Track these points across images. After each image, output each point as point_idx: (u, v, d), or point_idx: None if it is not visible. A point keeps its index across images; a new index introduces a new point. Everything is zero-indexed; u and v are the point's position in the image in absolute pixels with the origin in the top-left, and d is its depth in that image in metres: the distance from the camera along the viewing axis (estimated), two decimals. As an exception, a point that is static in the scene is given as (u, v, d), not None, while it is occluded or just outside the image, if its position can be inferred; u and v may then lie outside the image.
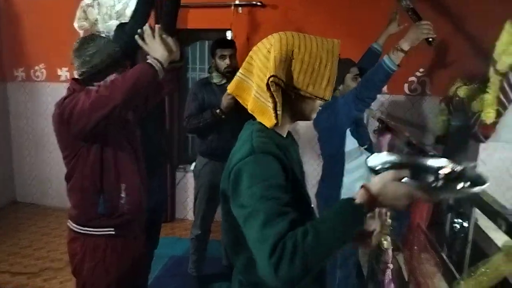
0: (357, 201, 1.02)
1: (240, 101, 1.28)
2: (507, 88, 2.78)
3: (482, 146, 3.14)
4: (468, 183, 1.10)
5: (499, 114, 2.90)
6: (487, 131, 3.00)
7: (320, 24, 3.87)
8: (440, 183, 1.14)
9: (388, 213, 2.22)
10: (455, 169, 1.22)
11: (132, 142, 1.97)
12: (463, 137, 3.43)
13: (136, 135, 2.03)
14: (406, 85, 4.03)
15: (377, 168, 1.18)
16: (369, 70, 2.19)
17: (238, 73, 1.27)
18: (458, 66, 3.75)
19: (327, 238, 0.97)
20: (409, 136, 2.43)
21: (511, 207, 3.14)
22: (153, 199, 2.25)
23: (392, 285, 2.34)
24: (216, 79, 2.86)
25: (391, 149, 2.56)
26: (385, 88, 4.02)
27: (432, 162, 1.27)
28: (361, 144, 2.45)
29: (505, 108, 2.84)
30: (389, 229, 2.10)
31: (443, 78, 3.81)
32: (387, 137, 2.64)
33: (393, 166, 1.20)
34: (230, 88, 1.29)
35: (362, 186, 1.04)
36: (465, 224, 1.51)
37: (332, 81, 1.19)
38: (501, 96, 2.84)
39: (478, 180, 1.10)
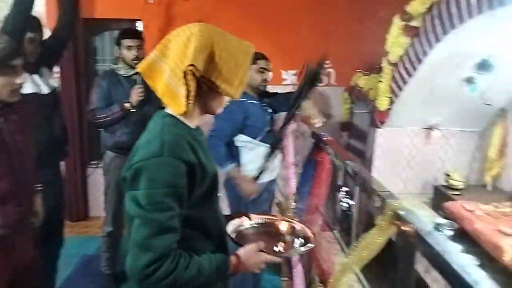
0: (230, 263, 1.21)
1: (149, 83, 1.22)
2: (398, 78, 3.06)
3: (378, 131, 3.43)
4: (301, 240, 1.41)
5: (391, 102, 3.20)
6: (382, 117, 3.29)
7: (230, 17, 3.92)
8: (279, 248, 1.38)
9: (292, 196, 2.38)
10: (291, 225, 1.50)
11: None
12: (364, 123, 3.73)
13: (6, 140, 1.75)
14: (314, 76, 4.25)
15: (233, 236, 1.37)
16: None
17: (152, 54, 1.22)
18: (359, 58, 4.03)
19: (199, 278, 1.13)
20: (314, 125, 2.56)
21: (404, 185, 3.47)
22: (48, 194, 2.10)
23: (300, 263, 2.49)
24: (123, 70, 2.78)
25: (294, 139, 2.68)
26: (294, 79, 4.22)
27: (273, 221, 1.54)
28: (253, 137, 2.51)
29: (396, 96, 3.13)
30: (293, 211, 2.24)
31: (347, 69, 4.07)
32: (291, 126, 2.76)
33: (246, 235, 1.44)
34: (141, 67, 1.22)
35: (234, 254, 1.25)
36: (351, 202, 1.67)
37: (244, 82, 1.22)
38: (393, 85, 3.13)
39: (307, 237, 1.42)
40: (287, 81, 4.25)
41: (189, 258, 1.12)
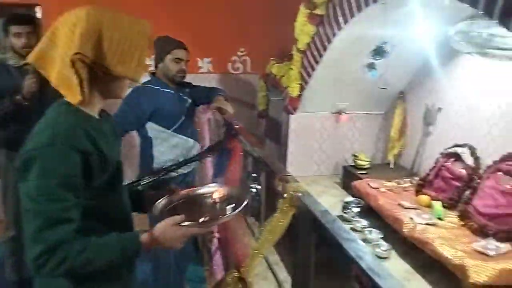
0: (141, 239, 1.14)
1: (43, 73, 1.14)
2: (307, 65, 3.18)
3: (292, 117, 3.55)
4: (233, 204, 1.34)
5: (302, 88, 3.31)
6: (294, 103, 3.41)
7: (141, 3, 3.75)
8: (206, 217, 1.33)
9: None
10: (225, 193, 1.44)
11: None
12: (279, 110, 3.83)
13: None
14: (229, 64, 4.25)
15: (157, 213, 1.32)
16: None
17: (41, 42, 1.14)
18: (273, 45, 4.11)
19: (100, 259, 1.08)
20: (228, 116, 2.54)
21: (317, 168, 3.61)
22: None
23: (218, 252, 2.51)
24: (12, 60, 2.52)
25: (209, 127, 2.67)
26: (210, 67, 4.19)
27: (206, 190, 1.48)
28: (167, 127, 2.45)
29: (306, 82, 3.25)
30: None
31: (261, 57, 4.13)
32: (208, 115, 2.75)
33: (173, 207, 1.38)
34: (31, 57, 1.12)
35: (147, 231, 1.18)
36: (259, 188, 1.71)
37: (142, 62, 1.17)
38: (303, 72, 3.24)
39: (241, 198, 1.35)
40: (203, 69, 4.20)
41: (86, 242, 1.07)
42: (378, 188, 2.90)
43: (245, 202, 1.33)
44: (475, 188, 2.49)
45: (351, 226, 2.70)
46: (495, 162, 2.44)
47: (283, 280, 2.36)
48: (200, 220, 1.32)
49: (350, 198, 2.94)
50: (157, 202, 1.35)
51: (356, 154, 3.46)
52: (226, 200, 1.43)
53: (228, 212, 1.35)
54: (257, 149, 1.63)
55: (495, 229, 2.22)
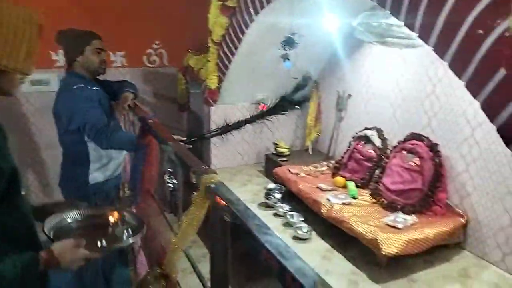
0: (40, 259, 1.10)
1: None
2: (223, 56, 3.17)
3: (212, 109, 3.53)
4: (130, 231, 1.36)
5: (220, 80, 3.31)
6: (214, 95, 3.39)
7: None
8: (104, 242, 1.31)
9: (126, 185, 2.28)
10: (122, 216, 1.44)
11: None
12: (199, 103, 3.79)
13: None
14: (145, 57, 4.10)
15: (50, 235, 1.26)
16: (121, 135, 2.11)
17: None
18: (190, 38, 4.03)
19: (1, 285, 1.03)
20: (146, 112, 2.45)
21: (241, 158, 3.62)
22: None
23: (141, 251, 2.43)
24: None
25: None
26: (124, 61, 4.01)
27: (101, 212, 1.45)
28: None
29: (224, 74, 3.25)
30: (128, 199, 2.15)
31: (179, 49, 4.04)
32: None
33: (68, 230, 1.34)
34: None
35: (46, 249, 1.14)
36: (175, 182, 1.69)
37: (32, 54, 1.07)
38: (220, 64, 3.23)
39: (138, 225, 1.38)
40: (117, 63, 4.01)
41: None
42: (297, 174, 3.01)
43: (143, 230, 1.35)
44: (384, 167, 2.69)
45: (274, 211, 2.78)
46: (399, 142, 2.66)
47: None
48: (100, 244, 1.29)
49: (272, 185, 3.02)
50: (47, 220, 1.29)
51: (277, 142, 3.56)
52: (121, 224, 1.42)
53: (124, 238, 1.35)
54: (172, 143, 1.59)
55: (402, 203, 2.42)
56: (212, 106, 3.49)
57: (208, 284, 1.31)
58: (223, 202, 1.11)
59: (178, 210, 1.58)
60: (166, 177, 1.74)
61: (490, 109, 1.19)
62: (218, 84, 3.31)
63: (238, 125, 2.24)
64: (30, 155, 3.67)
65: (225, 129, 2.17)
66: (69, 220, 1.38)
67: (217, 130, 2.16)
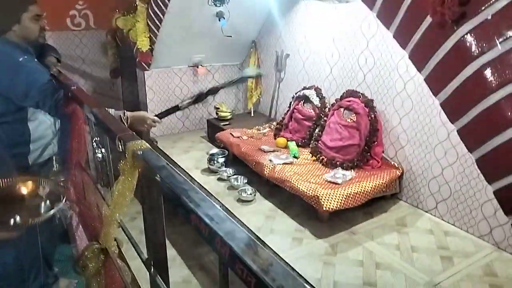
0: None
1: None
2: (153, 15, 2.97)
3: (146, 73, 3.35)
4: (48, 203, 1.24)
5: (152, 42, 3.12)
6: (146, 58, 3.20)
7: None
8: (17, 219, 1.18)
9: (55, 158, 2.12)
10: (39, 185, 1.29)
11: None
12: (131, 67, 3.57)
13: None
14: (68, 20, 3.76)
15: None
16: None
17: None
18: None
19: None
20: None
21: (182, 124, 3.49)
22: None
23: (80, 226, 2.31)
24: None
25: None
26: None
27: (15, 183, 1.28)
28: None
29: (155, 35, 3.06)
30: (57, 173, 2.00)
31: (105, 10, 3.74)
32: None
33: None
34: None
35: None
36: (103, 151, 1.58)
37: None
38: (150, 24, 3.03)
39: (58, 194, 1.27)
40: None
41: None
42: (240, 137, 2.96)
43: (63, 200, 1.24)
44: (323, 125, 2.72)
45: (218, 176, 2.74)
46: (337, 100, 2.68)
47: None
48: (13, 222, 1.16)
49: (214, 150, 2.96)
50: None
51: (218, 106, 3.47)
52: (40, 195, 1.28)
53: (42, 210, 1.23)
54: (95, 109, 1.46)
55: (342, 159, 2.47)
56: (146, 70, 3.30)
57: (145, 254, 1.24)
58: (151, 168, 1.03)
59: (110, 181, 1.47)
60: (94, 146, 1.62)
61: (417, 60, 1.19)
62: (151, 46, 3.12)
63: (212, 91, 2.15)
64: None
65: (200, 97, 2.06)
66: None
67: (190, 99, 2.05)
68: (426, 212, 2.28)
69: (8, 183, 1.27)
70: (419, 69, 1.20)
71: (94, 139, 1.62)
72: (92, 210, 1.87)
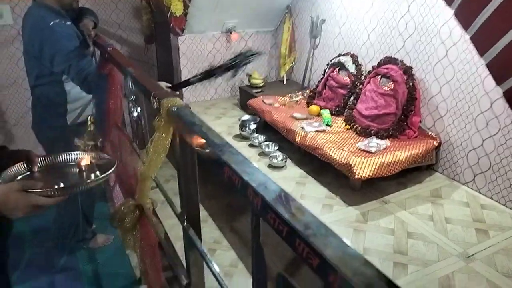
0: None
1: None
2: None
3: (180, 39, 3.34)
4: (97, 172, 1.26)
5: (186, 6, 3.09)
6: (180, 23, 3.19)
7: None
8: (61, 184, 1.19)
9: (90, 118, 2.18)
10: (92, 160, 1.34)
11: None
12: (165, 33, 3.57)
13: None
14: (104, -15, 3.78)
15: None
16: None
17: None
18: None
19: None
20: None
21: (214, 91, 3.49)
22: None
23: (117, 185, 2.40)
24: None
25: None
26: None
27: (70, 156, 1.33)
28: None
29: (189, 0, 3.03)
30: (94, 134, 2.06)
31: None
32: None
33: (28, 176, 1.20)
34: None
35: None
36: (139, 110, 1.60)
37: None
38: (184, -13, 3.00)
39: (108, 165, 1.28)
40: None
41: None
42: (272, 104, 2.94)
43: (112, 170, 1.25)
44: (358, 93, 2.65)
45: (250, 142, 2.75)
46: (374, 67, 2.59)
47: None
48: (56, 187, 1.15)
49: (246, 117, 2.96)
50: (8, 169, 1.15)
51: (251, 74, 3.44)
52: (93, 167, 1.31)
53: (91, 179, 1.24)
54: (131, 68, 1.48)
55: (376, 128, 2.41)
56: (180, 35, 3.30)
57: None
58: (186, 124, 1.04)
59: (145, 139, 1.50)
60: (130, 106, 1.65)
61: (463, 17, 1.11)
62: (184, 11, 3.10)
63: (222, 69, 2.14)
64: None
65: (209, 73, 2.06)
66: (33, 170, 1.26)
67: (201, 75, 2.05)
68: (463, 184, 2.21)
69: (64, 158, 1.33)
70: (465, 27, 1.13)
71: (131, 98, 1.64)
72: (128, 169, 1.92)
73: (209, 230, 2.24)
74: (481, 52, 1.10)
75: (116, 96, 1.91)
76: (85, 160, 1.32)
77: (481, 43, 1.09)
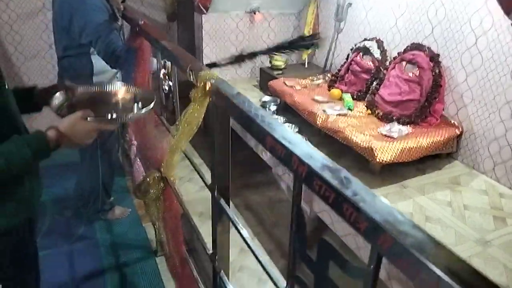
0: (48, 138, 1.07)
1: None
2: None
3: (204, 17, 3.35)
4: (140, 103, 1.37)
5: (213, -16, 3.09)
6: (205, 2, 3.19)
7: None
8: (113, 114, 1.32)
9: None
10: (131, 93, 1.45)
11: None
12: (188, 11, 3.57)
13: None
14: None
15: (55, 109, 1.25)
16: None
17: None
18: None
19: (10, 167, 1.01)
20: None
21: (234, 71, 3.53)
22: None
23: (138, 160, 2.44)
24: None
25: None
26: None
27: (109, 88, 1.45)
28: None
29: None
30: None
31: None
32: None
33: (72, 104, 1.31)
34: None
35: (51, 127, 1.10)
36: (170, 84, 1.63)
37: None
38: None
39: (149, 98, 1.37)
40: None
41: None
42: (293, 86, 2.95)
43: (153, 102, 1.35)
44: (382, 79, 2.64)
45: (269, 124, 2.77)
46: (399, 53, 2.57)
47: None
48: (108, 117, 1.27)
49: (267, 98, 2.97)
50: (54, 97, 1.23)
51: (272, 55, 3.44)
52: (132, 99, 1.41)
53: (135, 111, 1.34)
54: (165, 42, 1.50)
55: (399, 114, 2.41)
56: (204, 14, 3.30)
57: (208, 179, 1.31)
58: (225, 95, 1.06)
59: (175, 112, 1.54)
60: (160, 79, 1.67)
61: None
62: (211, -11, 3.10)
63: (252, 55, 2.15)
64: (12, 66, 3.52)
65: (238, 58, 2.07)
66: (78, 96, 1.36)
67: (230, 60, 2.07)
68: (482, 173, 2.22)
69: (108, 89, 1.44)
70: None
71: (162, 72, 1.67)
72: (154, 142, 1.96)
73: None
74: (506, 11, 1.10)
75: (144, 70, 1.95)
76: (124, 91, 1.44)
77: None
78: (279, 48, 2.23)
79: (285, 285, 0.90)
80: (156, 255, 2.52)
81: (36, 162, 1.12)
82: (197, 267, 1.78)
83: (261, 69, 3.49)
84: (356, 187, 0.66)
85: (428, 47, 2.40)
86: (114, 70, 2.32)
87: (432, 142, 2.16)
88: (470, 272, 0.48)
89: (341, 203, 0.65)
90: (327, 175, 0.68)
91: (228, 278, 1.34)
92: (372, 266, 0.62)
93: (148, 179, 1.82)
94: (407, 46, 2.52)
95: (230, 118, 1.15)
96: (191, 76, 1.24)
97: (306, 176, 0.74)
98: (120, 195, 3.06)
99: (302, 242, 0.82)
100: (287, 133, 0.83)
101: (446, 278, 0.47)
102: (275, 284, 0.93)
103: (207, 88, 1.16)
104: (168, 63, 1.81)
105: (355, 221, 0.62)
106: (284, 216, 2.66)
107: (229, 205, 1.25)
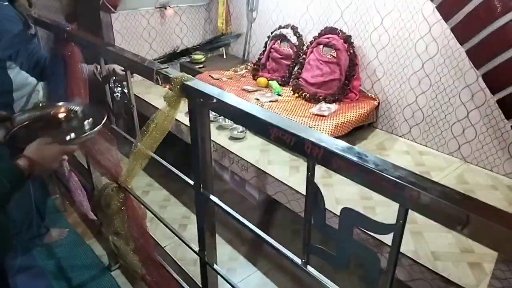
0: (21, 167, 1.07)
1: None
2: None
3: (113, 16, 3.20)
4: (90, 119, 1.39)
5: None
6: (113, 0, 3.06)
7: None
8: (71, 135, 1.33)
9: (41, 104, 2.07)
10: (72, 110, 1.47)
11: None
12: (91, 10, 3.38)
13: None
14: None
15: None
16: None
17: None
18: None
19: None
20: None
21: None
22: None
23: (73, 174, 2.31)
24: None
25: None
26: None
27: (49, 110, 1.47)
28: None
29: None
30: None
31: None
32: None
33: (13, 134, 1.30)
34: None
35: (20, 156, 1.10)
36: (125, 90, 1.58)
37: None
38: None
39: (96, 111, 1.42)
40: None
41: None
42: (220, 79, 3.01)
43: (105, 115, 1.36)
44: (302, 63, 2.83)
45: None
46: (315, 37, 2.78)
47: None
48: (67, 138, 1.29)
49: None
50: None
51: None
52: (81, 117, 1.42)
53: (87, 127, 1.36)
54: (113, 48, 1.46)
55: (324, 93, 2.63)
56: (113, 12, 3.16)
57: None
58: (204, 94, 1.11)
59: (134, 118, 1.50)
60: (110, 85, 1.61)
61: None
62: (118, -13, 2.98)
63: (186, 52, 2.15)
64: None
65: (172, 57, 2.06)
66: (18, 124, 1.35)
67: (163, 57, 2.05)
68: (400, 136, 2.54)
69: (46, 111, 1.45)
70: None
71: (112, 79, 1.60)
72: (105, 153, 1.88)
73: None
74: (446, 18, 1.32)
75: (77, 77, 1.84)
76: (64, 112, 1.45)
77: (446, 10, 1.30)
78: (209, 44, 2.27)
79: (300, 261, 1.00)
80: (110, 269, 2.42)
81: (13, 194, 1.06)
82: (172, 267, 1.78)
83: (181, 64, 3.46)
84: (375, 159, 0.77)
85: (340, 30, 2.64)
86: (34, 83, 2.14)
87: (358, 115, 2.41)
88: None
89: (369, 174, 0.75)
90: (346, 154, 0.79)
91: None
92: (400, 221, 0.75)
93: (105, 191, 1.76)
94: (321, 30, 2.74)
95: (209, 115, 1.19)
96: (159, 81, 1.24)
97: (322, 157, 0.83)
98: (52, 216, 2.85)
99: (321, 214, 0.92)
100: (289, 122, 0.92)
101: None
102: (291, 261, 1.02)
103: (183, 90, 1.18)
104: (113, 68, 1.73)
105: (381, 185, 0.74)
106: (235, 204, 2.74)
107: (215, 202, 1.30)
